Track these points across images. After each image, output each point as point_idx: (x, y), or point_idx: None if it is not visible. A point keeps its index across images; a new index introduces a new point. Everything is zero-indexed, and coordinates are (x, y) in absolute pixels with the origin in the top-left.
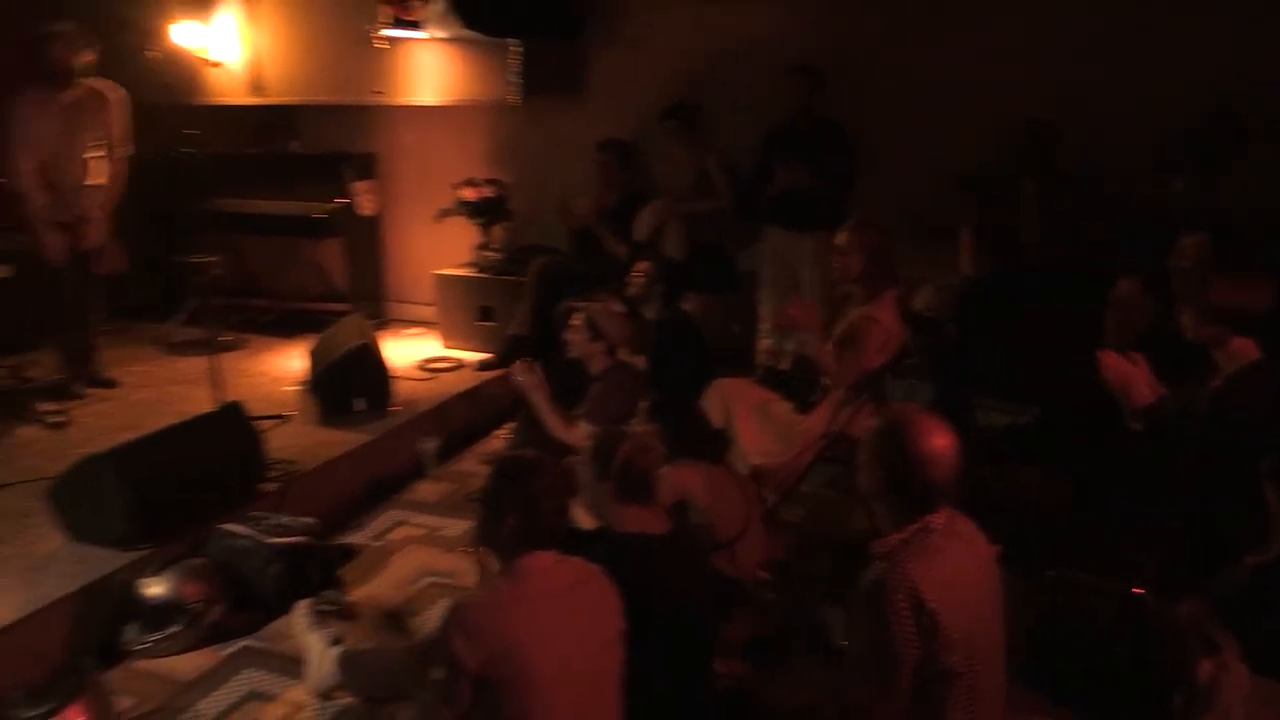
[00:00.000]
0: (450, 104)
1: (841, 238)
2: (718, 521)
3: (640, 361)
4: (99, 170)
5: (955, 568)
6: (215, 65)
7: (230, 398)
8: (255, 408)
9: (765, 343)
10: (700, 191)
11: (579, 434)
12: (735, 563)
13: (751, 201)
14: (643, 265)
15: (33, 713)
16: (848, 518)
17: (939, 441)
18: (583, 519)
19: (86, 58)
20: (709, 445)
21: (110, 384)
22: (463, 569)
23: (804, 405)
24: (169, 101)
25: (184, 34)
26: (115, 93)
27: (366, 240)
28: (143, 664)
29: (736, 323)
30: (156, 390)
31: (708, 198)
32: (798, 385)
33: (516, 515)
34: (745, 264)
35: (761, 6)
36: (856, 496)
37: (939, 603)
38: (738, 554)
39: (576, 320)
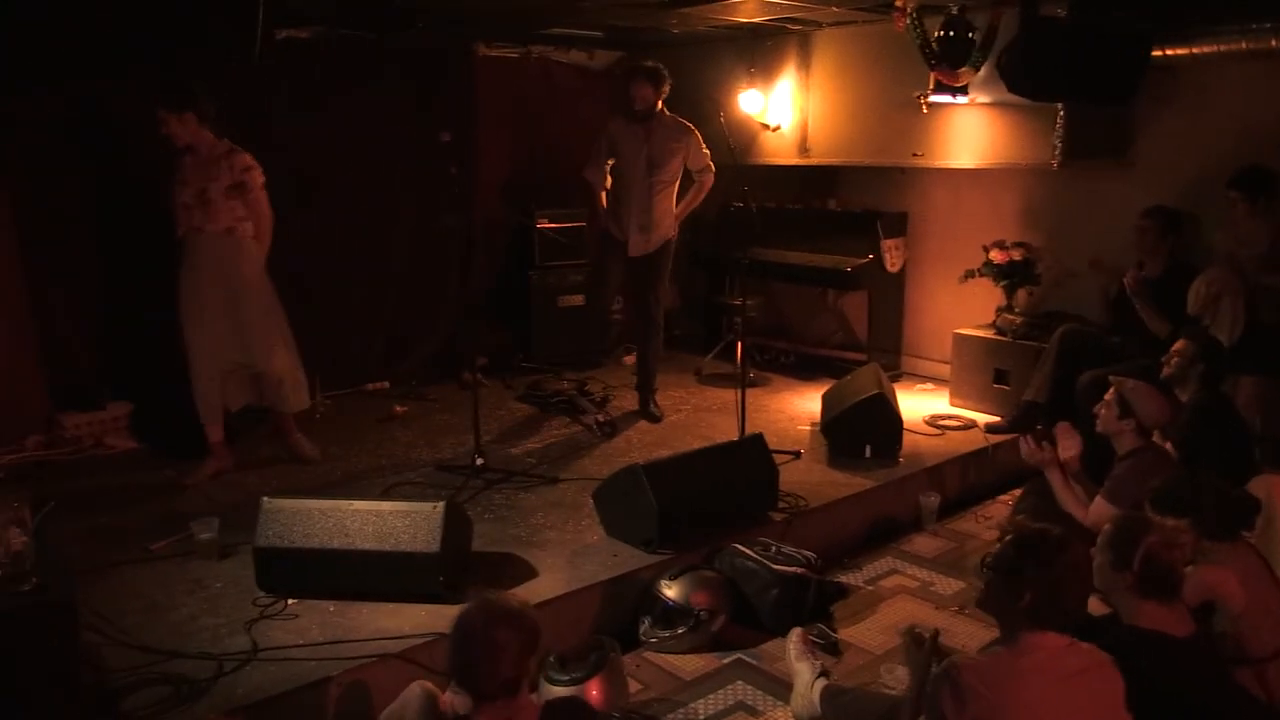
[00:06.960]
0: (986, 167)
1: None
2: (1250, 634)
3: (1171, 448)
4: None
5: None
6: (772, 129)
7: (752, 430)
8: (772, 441)
9: None
10: (1270, 265)
11: (1095, 513)
12: (1264, 683)
13: None
14: (1180, 344)
15: (563, 677)
16: None
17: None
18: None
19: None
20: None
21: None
22: (952, 628)
23: None
24: (731, 162)
25: (749, 101)
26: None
27: (890, 295)
28: (652, 655)
29: None
30: (689, 415)
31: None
32: None
33: (1035, 593)
34: None
35: None
36: None
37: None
38: (1269, 673)
39: (1109, 394)
